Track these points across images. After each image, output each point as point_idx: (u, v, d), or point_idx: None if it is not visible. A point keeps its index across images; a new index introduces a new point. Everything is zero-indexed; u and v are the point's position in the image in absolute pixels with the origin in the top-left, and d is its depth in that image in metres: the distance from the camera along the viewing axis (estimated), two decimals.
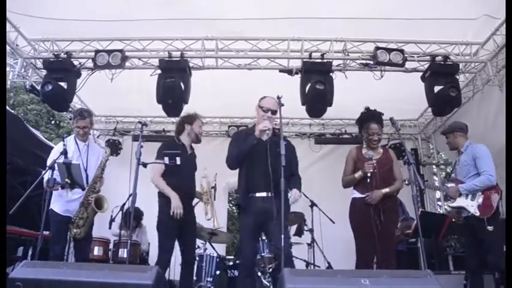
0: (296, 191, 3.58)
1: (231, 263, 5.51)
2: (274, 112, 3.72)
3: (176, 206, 4.13)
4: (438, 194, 8.37)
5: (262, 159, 3.65)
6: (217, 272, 5.34)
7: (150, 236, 6.62)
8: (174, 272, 5.31)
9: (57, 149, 4.21)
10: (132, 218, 3.71)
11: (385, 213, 4.00)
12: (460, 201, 4.30)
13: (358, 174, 4.14)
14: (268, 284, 5.22)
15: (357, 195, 4.18)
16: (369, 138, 4.28)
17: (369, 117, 4.35)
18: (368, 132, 4.29)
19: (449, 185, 4.53)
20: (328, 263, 5.48)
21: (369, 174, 4.02)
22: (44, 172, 3.85)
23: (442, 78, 5.37)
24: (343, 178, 4.32)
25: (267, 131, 3.61)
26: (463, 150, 4.46)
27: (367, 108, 4.43)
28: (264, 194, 3.63)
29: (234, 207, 17.51)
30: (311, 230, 5.75)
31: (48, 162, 3.99)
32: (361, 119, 4.41)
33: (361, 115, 4.45)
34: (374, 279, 2.28)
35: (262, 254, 5.44)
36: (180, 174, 4.31)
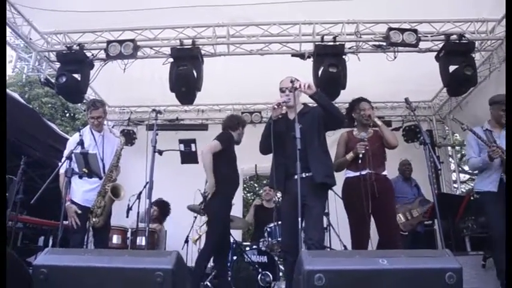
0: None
1: (247, 249, 5.55)
2: (290, 89, 3.70)
3: (210, 187, 4.47)
4: (454, 176, 8.29)
5: (282, 142, 3.65)
6: (234, 258, 5.39)
7: (169, 224, 6.72)
8: (192, 258, 5.41)
9: (73, 139, 4.25)
10: (149, 206, 3.76)
11: (380, 193, 3.92)
12: None
13: (349, 155, 4.07)
14: (285, 271, 5.28)
15: (350, 174, 4.12)
16: (361, 115, 4.20)
17: (357, 99, 4.31)
18: (360, 108, 4.23)
19: None
20: (344, 246, 5.49)
21: (360, 155, 3.98)
22: (61, 163, 3.92)
23: (457, 57, 5.28)
24: (334, 161, 4.17)
25: (280, 110, 3.63)
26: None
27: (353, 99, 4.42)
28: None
29: (248, 194, 17.66)
30: (327, 214, 5.76)
31: (65, 153, 4.05)
32: (350, 105, 4.38)
33: (348, 105, 4.42)
34: (392, 259, 2.28)
35: (279, 239, 5.50)
36: (233, 165, 4.75)
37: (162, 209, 6.53)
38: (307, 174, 3.44)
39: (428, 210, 5.65)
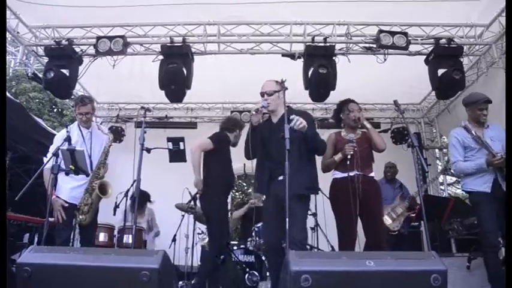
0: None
1: (235, 248, 5.54)
2: (269, 94, 3.71)
3: (196, 183, 4.58)
4: (441, 178, 8.36)
5: (265, 146, 3.70)
6: (222, 257, 5.38)
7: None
8: (179, 257, 5.39)
9: (60, 135, 4.20)
10: (136, 203, 3.73)
11: (366, 195, 3.94)
12: None
13: (337, 157, 4.08)
14: (268, 270, 5.29)
15: (338, 175, 4.12)
16: (349, 117, 4.21)
17: (346, 100, 4.33)
18: (348, 109, 4.23)
19: None
20: (332, 247, 5.52)
21: (349, 156, 4.00)
22: (48, 159, 3.87)
23: (446, 61, 5.33)
24: (322, 162, 4.21)
25: (259, 115, 3.66)
26: (490, 125, 4.16)
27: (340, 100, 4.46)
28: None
29: (237, 193, 17.65)
30: (315, 214, 5.79)
31: (52, 149, 4.00)
32: (338, 107, 4.39)
33: (336, 106, 4.44)
34: (379, 260, 2.29)
35: None
36: (227, 164, 4.80)
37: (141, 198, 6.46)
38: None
39: (412, 205, 5.71)
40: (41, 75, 5.67)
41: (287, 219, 3.02)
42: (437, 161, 8.70)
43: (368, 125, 4.18)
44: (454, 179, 17.08)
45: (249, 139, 3.72)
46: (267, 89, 3.72)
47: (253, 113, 3.65)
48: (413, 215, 5.74)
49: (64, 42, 5.49)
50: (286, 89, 3.61)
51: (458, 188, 17.97)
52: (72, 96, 6.27)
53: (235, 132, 4.96)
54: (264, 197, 3.90)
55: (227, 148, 4.78)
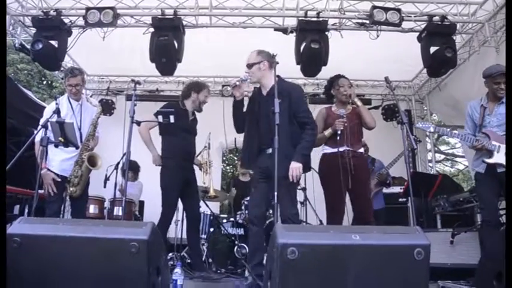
0: (292, 165, 3.43)
1: (224, 221, 5.62)
2: (248, 66, 3.71)
3: (154, 159, 4.60)
4: (430, 156, 8.47)
5: (255, 118, 3.70)
6: (211, 230, 5.46)
7: (146, 195, 6.72)
8: (170, 229, 5.43)
9: (50, 108, 4.18)
10: (127, 175, 3.75)
11: (355, 170, 3.98)
12: (498, 158, 3.83)
13: (328, 132, 4.10)
14: (253, 241, 5.37)
15: (328, 150, 4.14)
16: (340, 92, 4.22)
17: (336, 76, 4.33)
18: (339, 84, 4.24)
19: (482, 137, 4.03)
20: (320, 221, 5.61)
21: (339, 132, 4.02)
22: (36, 131, 3.85)
23: (439, 39, 5.33)
24: None
25: (241, 88, 3.71)
26: (504, 101, 3.92)
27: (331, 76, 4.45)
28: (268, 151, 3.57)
29: (228, 167, 17.72)
30: (304, 189, 5.85)
31: (42, 121, 3.97)
32: (329, 82, 4.39)
33: (327, 82, 4.44)
34: (364, 234, 2.34)
35: None
36: (178, 137, 4.60)
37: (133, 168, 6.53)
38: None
39: (382, 181, 5.77)
40: (28, 47, 5.57)
41: (275, 194, 3.05)
42: (427, 139, 8.77)
43: (359, 103, 4.19)
44: (442, 156, 17.32)
45: (234, 112, 3.75)
46: (248, 61, 3.72)
47: (232, 87, 3.69)
48: (402, 190, 5.82)
49: (52, 12, 5.37)
50: (277, 63, 3.59)
51: (447, 166, 18.26)
52: (62, 69, 6.18)
53: (192, 96, 4.76)
54: (250, 171, 3.93)
55: (179, 118, 4.56)
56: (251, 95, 3.89)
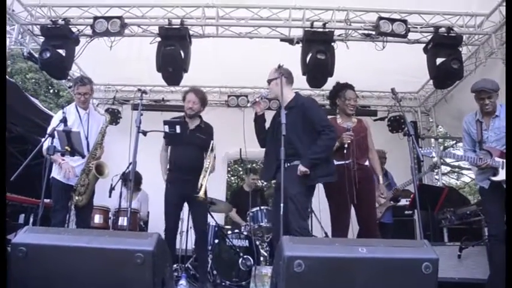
0: (300, 167, 3.53)
1: (229, 232, 5.58)
2: (268, 82, 3.77)
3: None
4: (436, 160, 8.39)
5: (275, 133, 3.75)
6: (216, 241, 5.42)
7: (151, 206, 6.70)
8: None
9: (57, 117, 4.20)
10: (132, 185, 3.74)
11: (360, 183, 3.98)
12: (504, 174, 3.81)
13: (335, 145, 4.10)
14: (265, 254, 5.33)
15: (334, 163, 4.13)
16: (345, 104, 4.22)
17: (344, 86, 4.31)
18: (345, 97, 4.23)
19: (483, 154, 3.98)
20: (325, 233, 5.56)
21: (346, 145, 4.01)
22: (43, 140, 3.86)
23: (445, 50, 5.31)
24: None
25: (261, 104, 3.78)
26: (498, 114, 3.96)
27: (338, 82, 4.43)
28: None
29: (232, 178, 17.69)
30: None
31: (49, 130, 3.99)
32: (334, 90, 4.38)
33: (333, 88, 4.43)
34: (371, 247, 2.32)
35: (261, 224, 5.54)
36: (177, 150, 4.55)
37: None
38: (292, 164, 3.47)
39: (396, 196, 5.74)
40: (36, 55, 5.61)
41: (281, 204, 3.05)
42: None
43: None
44: (448, 168, 17.21)
45: (256, 127, 3.82)
46: (267, 78, 3.79)
47: (255, 103, 3.78)
48: (408, 203, 5.77)
49: (60, 21, 5.41)
50: (283, 74, 3.62)
51: (453, 178, 18.12)
52: (69, 77, 6.22)
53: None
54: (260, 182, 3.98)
55: (181, 130, 4.49)
56: (262, 114, 3.94)
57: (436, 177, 8.28)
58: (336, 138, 3.78)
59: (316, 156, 3.54)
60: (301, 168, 3.48)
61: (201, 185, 4.31)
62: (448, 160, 17.59)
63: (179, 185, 4.45)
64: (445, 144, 16.26)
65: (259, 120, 3.81)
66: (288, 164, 3.46)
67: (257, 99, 3.71)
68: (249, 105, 3.76)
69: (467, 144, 4.15)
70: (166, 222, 4.44)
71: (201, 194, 4.51)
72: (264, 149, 3.94)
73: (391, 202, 5.77)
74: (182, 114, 4.76)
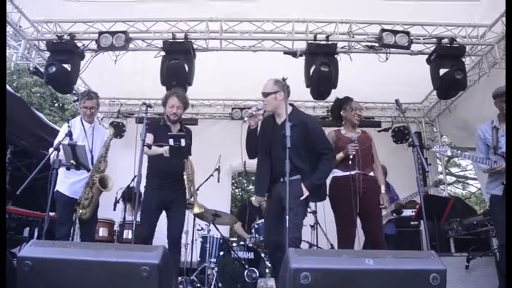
0: (304, 190, 3.52)
1: (234, 245, 5.55)
2: (264, 95, 3.74)
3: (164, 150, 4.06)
4: (441, 177, 8.36)
5: (267, 146, 3.74)
6: (221, 253, 5.39)
7: None
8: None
9: (62, 130, 4.24)
10: (137, 198, 3.74)
11: (366, 193, 3.97)
12: None
13: (339, 155, 4.07)
14: (271, 266, 5.29)
15: (339, 173, 4.11)
16: (352, 114, 4.23)
17: (346, 98, 4.33)
18: (352, 107, 4.25)
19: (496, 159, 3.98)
20: (331, 245, 5.52)
21: (351, 156, 4.01)
22: (49, 153, 3.88)
23: (448, 61, 5.32)
24: None
25: (256, 118, 3.72)
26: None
27: (338, 98, 4.45)
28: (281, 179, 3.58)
29: (237, 190, 17.66)
30: (314, 212, 5.79)
31: (54, 143, 4.01)
32: (337, 104, 4.39)
33: (334, 103, 4.45)
34: (378, 259, 2.30)
35: None
36: (156, 156, 4.17)
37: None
38: (291, 178, 3.46)
39: (397, 209, 5.68)
40: (42, 70, 5.67)
41: (287, 217, 3.04)
42: (438, 161, 8.69)
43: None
44: (454, 178, 17.12)
45: (247, 140, 3.78)
46: (264, 90, 3.75)
47: (248, 116, 3.71)
48: (413, 214, 5.74)
49: (66, 37, 5.48)
50: (287, 87, 3.62)
51: (458, 188, 18.02)
52: (74, 92, 6.27)
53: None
54: (265, 200, 3.98)
55: (159, 136, 4.26)
56: (262, 123, 3.90)
57: (442, 187, 8.23)
58: (333, 162, 3.85)
59: (320, 182, 3.64)
60: (305, 191, 3.51)
61: (193, 199, 4.30)
62: (453, 170, 17.53)
63: (159, 192, 4.29)
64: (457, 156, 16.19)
65: (252, 133, 3.80)
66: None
67: (254, 113, 3.69)
68: (245, 118, 3.70)
69: (481, 153, 4.14)
70: (141, 230, 4.18)
71: (196, 210, 4.51)
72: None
73: (394, 214, 5.73)
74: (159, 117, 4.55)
